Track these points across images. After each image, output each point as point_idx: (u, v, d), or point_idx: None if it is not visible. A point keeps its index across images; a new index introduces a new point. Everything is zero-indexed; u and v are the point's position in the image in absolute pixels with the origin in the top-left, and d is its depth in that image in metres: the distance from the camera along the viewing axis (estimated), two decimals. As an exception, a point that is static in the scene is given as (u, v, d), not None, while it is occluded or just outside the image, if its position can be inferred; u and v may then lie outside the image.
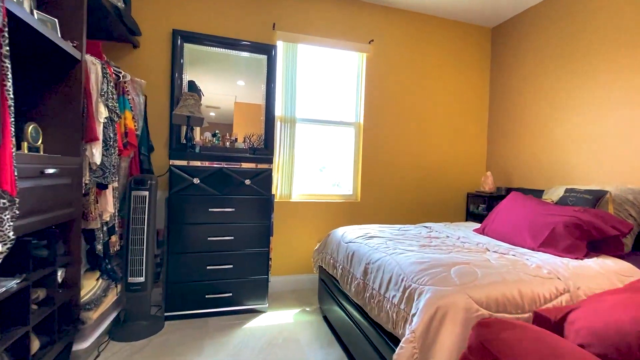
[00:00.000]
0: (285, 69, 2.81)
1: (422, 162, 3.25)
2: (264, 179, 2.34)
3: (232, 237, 2.28)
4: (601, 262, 1.65)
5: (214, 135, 2.46)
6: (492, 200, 3.11)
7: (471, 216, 3.34)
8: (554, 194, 2.44)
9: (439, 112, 3.28)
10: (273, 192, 2.74)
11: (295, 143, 2.89)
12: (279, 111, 2.83)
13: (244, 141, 2.60)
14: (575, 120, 2.57)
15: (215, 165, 2.24)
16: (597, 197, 2.07)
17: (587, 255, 1.73)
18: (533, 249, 1.85)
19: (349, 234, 2.19)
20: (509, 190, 3.09)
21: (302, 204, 2.90)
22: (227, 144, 2.41)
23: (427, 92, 3.23)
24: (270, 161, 2.36)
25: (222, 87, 2.67)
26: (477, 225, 2.60)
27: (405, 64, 3.16)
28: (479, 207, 3.23)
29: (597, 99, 2.42)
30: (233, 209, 2.27)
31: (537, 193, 2.75)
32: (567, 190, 2.27)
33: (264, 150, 2.69)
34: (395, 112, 3.16)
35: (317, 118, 3.02)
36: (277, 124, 2.86)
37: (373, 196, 3.12)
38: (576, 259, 1.68)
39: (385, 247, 1.80)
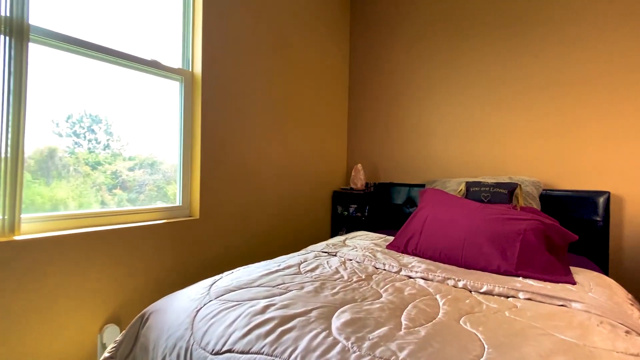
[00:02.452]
0: None
1: (283, 149, 2.22)
2: None
3: None
4: (587, 279, 1.22)
5: None
6: (365, 198, 2.53)
7: (339, 220, 2.66)
8: (448, 189, 2.07)
9: (299, 84, 2.34)
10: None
11: (28, 91, 1.13)
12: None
13: None
14: (449, 106, 2.34)
15: None
16: (510, 191, 1.78)
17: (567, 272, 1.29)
18: (510, 273, 1.25)
19: (216, 322, 0.86)
20: (378, 186, 2.61)
21: (52, 241, 1.18)
22: None
23: (287, 53, 2.23)
24: None
25: None
26: (382, 238, 1.87)
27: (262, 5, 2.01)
28: (349, 209, 2.59)
29: (475, 84, 2.25)
30: None
31: (419, 188, 2.38)
32: (471, 184, 1.91)
33: None
34: (254, 60, 1.95)
35: (95, 42, 1.35)
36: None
37: (222, 207, 1.79)
38: (575, 282, 1.18)
39: (358, 363, 0.65)
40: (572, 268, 1.36)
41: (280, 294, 0.99)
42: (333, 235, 2.69)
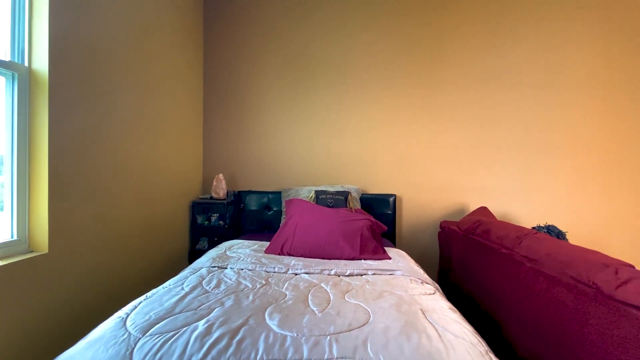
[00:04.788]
0: None
1: (140, 161, 2.04)
2: None
3: None
4: (395, 254, 1.96)
5: None
6: (228, 207, 2.66)
7: (199, 230, 2.66)
8: (302, 196, 2.55)
9: (156, 86, 2.19)
10: None
11: None
12: None
13: None
14: (298, 127, 2.83)
15: None
16: (345, 197, 2.43)
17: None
18: (357, 258, 1.82)
19: (165, 355, 0.90)
20: (238, 194, 2.81)
21: None
22: None
23: (144, 52, 2.05)
24: None
25: None
26: (257, 244, 2.12)
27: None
28: (211, 218, 2.64)
29: (315, 114, 2.81)
30: None
31: (275, 195, 2.74)
32: (319, 192, 2.46)
33: None
34: (113, 58, 1.70)
35: None
36: None
37: (79, 232, 1.50)
38: (390, 258, 1.87)
39: None
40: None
41: (209, 314, 1.10)
42: (193, 246, 2.66)
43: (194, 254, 2.62)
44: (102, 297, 1.67)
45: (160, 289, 1.34)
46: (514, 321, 1.50)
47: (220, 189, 2.64)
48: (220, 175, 2.66)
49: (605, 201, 2.65)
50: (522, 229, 1.73)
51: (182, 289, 1.33)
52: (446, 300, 1.34)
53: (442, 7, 2.71)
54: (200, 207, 2.67)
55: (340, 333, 0.99)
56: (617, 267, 1.07)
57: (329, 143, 2.81)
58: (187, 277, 1.48)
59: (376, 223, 2.07)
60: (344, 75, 2.79)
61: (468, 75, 2.71)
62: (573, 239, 2.51)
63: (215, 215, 2.65)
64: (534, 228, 2.25)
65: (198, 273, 1.54)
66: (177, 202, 2.49)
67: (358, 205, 2.54)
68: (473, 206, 2.73)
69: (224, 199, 2.65)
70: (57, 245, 1.41)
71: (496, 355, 1.02)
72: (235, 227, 2.75)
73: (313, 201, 2.43)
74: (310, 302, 1.24)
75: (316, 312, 1.16)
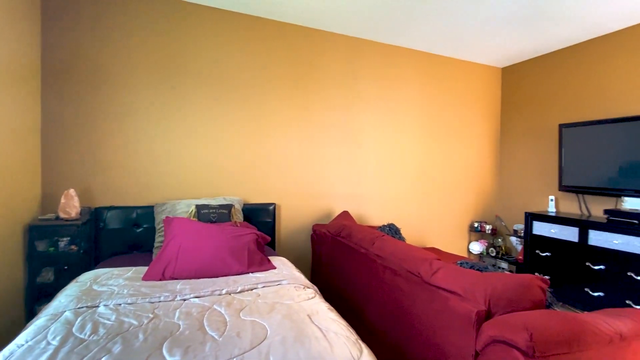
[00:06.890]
0: None
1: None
2: None
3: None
4: (279, 262, 2.17)
5: None
6: (83, 228, 2.25)
7: (41, 259, 2.16)
8: (179, 211, 2.42)
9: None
10: None
11: None
12: None
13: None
14: (173, 141, 2.64)
15: None
16: (229, 210, 2.47)
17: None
18: (245, 272, 1.93)
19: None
20: (94, 212, 2.42)
21: None
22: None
23: None
24: None
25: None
26: (131, 270, 1.92)
27: None
28: (58, 243, 2.18)
29: (187, 126, 2.70)
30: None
31: (145, 209, 2.50)
32: (200, 207, 2.40)
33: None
34: None
35: None
36: None
37: None
38: (275, 267, 2.06)
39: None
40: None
41: (97, 366, 1.02)
42: (31, 280, 2.13)
43: (35, 290, 2.12)
44: None
45: (14, 347, 1.11)
46: (370, 305, 1.96)
47: (71, 207, 2.21)
48: (71, 190, 2.22)
49: (424, 204, 3.64)
50: (374, 232, 2.23)
51: (49, 343, 1.14)
52: (324, 300, 1.63)
53: (310, 37, 3.07)
54: (42, 230, 2.16)
55: (244, 353, 1.11)
56: (431, 260, 1.60)
57: (207, 153, 2.76)
58: (47, 327, 1.26)
59: (261, 235, 2.22)
60: (222, 87, 2.78)
61: (333, 102, 3.18)
62: (405, 232, 3.35)
63: (64, 239, 2.20)
64: (379, 228, 2.90)
65: (62, 319, 1.33)
66: (3, 228, 1.95)
67: (241, 217, 2.62)
68: (338, 210, 3.23)
69: (76, 219, 2.23)
70: None
71: (359, 334, 1.37)
72: (93, 251, 2.36)
73: (194, 216, 2.37)
74: (207, 328, 1.30)
75: (216, 337, 1.23)
